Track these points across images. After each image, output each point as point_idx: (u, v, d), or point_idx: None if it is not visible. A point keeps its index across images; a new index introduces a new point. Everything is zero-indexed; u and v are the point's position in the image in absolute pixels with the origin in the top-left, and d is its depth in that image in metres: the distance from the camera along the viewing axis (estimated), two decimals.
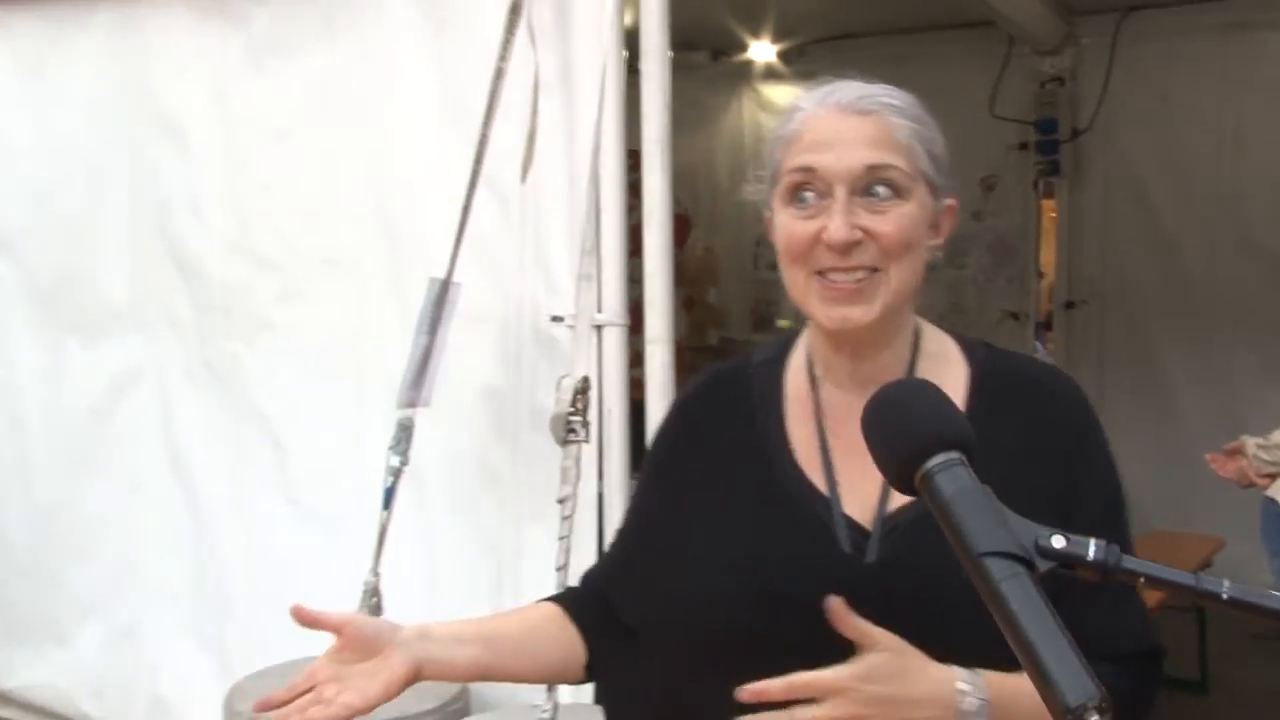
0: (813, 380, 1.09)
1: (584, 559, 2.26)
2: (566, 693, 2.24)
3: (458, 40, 2.43)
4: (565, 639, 1.15)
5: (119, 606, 3.11)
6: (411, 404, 2.32)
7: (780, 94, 5.37)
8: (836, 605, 0.88)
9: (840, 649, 0.90)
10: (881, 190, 0.98)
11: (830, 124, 1.00)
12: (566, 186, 2.32)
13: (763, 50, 5.14)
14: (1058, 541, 0.68)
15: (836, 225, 0.97)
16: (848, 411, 1.00)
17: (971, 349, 1.11)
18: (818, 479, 1.04)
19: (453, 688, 2.33)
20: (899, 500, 0.98)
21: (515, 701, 2.37)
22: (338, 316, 2.69)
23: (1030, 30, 4.44)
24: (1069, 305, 4.99)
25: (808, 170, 0.99)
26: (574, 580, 2.19)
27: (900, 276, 1.00)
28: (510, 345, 2.46)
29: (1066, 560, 0.68)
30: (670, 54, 2.24)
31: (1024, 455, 1.00)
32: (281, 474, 2.80)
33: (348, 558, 2.58)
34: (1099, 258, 4.90)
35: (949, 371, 1.06)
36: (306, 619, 1.00)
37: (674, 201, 2.28)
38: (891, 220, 0.98)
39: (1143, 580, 0.69)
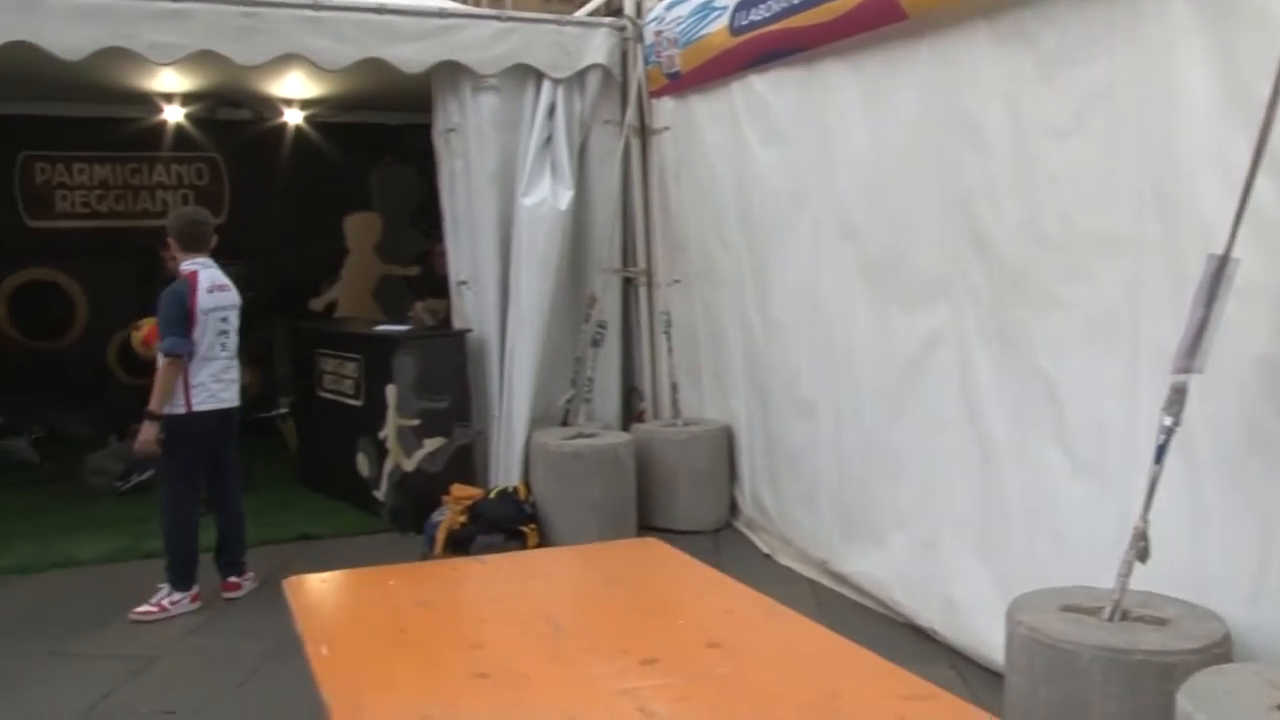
0: None
1: None
2: None
3: (1238, 31, 2.55)
4: None
5: (922, 522, 3.84)
6: (1186, 370, 2.53)
7: None
8: None
9: None
10: None
11: None
12: None
13: None
14: None
15: None
16: None
17: None
18: None
19: (1218, 632, 2.51)
20: None
21: (1277, 659, 2.47)
22: (1116, 291, 2.98)
23: None
24: None
25: None
26: None
27: None
28: None
29: None
30: None
31: None
32: (1059, 427, 3.21)
33: (1113, 505, 2.91)
34: None
35: None
36: None
37: None
38: None
39: None
